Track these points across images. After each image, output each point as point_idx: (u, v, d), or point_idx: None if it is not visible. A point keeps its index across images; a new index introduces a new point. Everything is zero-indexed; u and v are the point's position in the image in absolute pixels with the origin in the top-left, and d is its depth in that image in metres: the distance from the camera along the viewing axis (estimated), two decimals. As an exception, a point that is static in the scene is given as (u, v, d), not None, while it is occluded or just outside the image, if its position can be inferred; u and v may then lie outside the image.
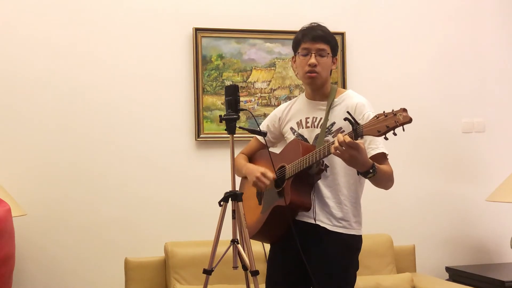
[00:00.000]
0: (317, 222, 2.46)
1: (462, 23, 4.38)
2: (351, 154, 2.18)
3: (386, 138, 2.12)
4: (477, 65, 4.39)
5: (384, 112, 2.10)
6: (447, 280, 4.02)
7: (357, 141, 2.18)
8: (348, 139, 2.16)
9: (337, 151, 2.19)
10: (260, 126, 2.78)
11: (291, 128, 2.64)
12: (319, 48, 2.51)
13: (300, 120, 2.61)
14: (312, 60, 2.51)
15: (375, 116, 2.12)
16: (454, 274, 4.04)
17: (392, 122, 2.06)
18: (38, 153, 3.70)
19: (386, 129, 2.08)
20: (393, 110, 2.08)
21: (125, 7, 3.86)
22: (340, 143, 2.17)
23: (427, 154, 4.25)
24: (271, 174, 2.52)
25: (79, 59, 3.77)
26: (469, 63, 4.37)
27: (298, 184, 2.45)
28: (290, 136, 2.64)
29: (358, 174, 2.34)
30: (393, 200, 3.96)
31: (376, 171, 2.27)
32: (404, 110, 2.05)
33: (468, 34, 4.39)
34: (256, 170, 2.56)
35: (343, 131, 2.47)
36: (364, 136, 2.31)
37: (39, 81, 3.72)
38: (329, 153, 2.27)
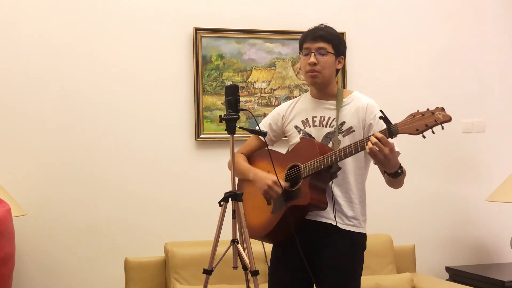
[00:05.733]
0: (330, 221, 2.47)
1: (462, 23, 4.39)
2: (385, 154, 2.19)
3: (424, 137, 2.13)
4: (477, 65, 4.39)
5: (418, 110, 2.13)
6: (447, 280, 4.02)
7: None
8: (380, 135, 2.17)
9: (373, 149, 2.18)
10: (261, 124, 2.77)
11: (296, 127, 2.63)
12: (318, 47, 2.52)
13: (306, 119, 2.61)
14: (312, 59, 2.52)
15: (411, 114, 2.14)
16: (454, 274, 4.04)
17: (431, 120, 2.09)
18: (38, 153, 3.70)
19: (425, 128, 2.10)
20: (428, 109, 2.11)
21: (125, 7, 3.86)
22: (375, 143, 2.17)
23: (427, 154, 4.24)
24: (283, 182, 2.50)
25: (78, 59, 3.77)
26: (469, 63, 4.37)
27: (316, 183, 2.44)
28: (295, 135, 2.63)
29: (384, 175, 2.35)
30: (393, 200, 3.96)
31: (403, 172, 2.31)
32: (443, 109, 2.09)
33: (468, 34, 4.39)
34: (267, 178, 2.52)
35: (354, 130, 2.49)
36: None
37: (39, 81, 3.72)
38: (356, 152, 2.29)
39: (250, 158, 2.77)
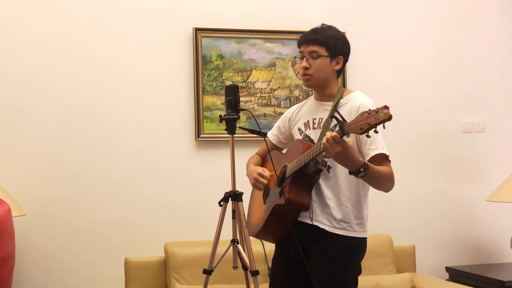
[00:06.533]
0: (317, 223, 2.46)
1: (462, 23, 4.39)
2: (337, 151, 2.18)
3: (368, 136, 2.11)
4: (477, 65, 4.39)
5: (369, 109, 2.10)
6: (447, 280, 4.02)
7: (344, 139, 2.17)
8: (334, 134, 2.17)
9: (325, 145, 2.19)
10: (273, 127, 2.82)
11: (299, 129, 2.65)
12: (310, 51, 2.53)
13: (308, 121, 2.62)
14: (303, 63, 2.53)
15: (361, 113, 2.12)
16: (454, 274, 4.04)
17: (373, 119, 2.06)
18: (38, 153, 3.70)
19: (367, 127, 2.07)
20: (377, 108, 2.08)
21: (125, 7, 3.86)
22: (327, 139, 2.18)
23: (427, 154, 4.25)
24: (268, 173, 2.52)
25: (79, 59, 3.77)
26: (469, 63, 4.37)
27: (296, 183, 2.45)
28: (298, 137, 2.65)
29: (350, 174, 2.33)
30: (393, 200, 3.95)
31: (368, 171, 2.26)
32: (386, 107, 2.04)
33: (468, 34, 4.39)
34: (254, 171, 2.58)
35: None
36: (353, 135, 2.33)
37: (39, 81, 3.72)
38: (321, 151, 2.27)
39: (262, 160, 2.82)
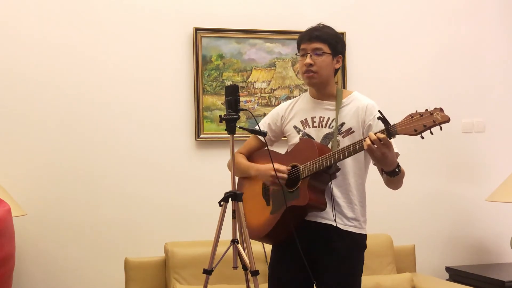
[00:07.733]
0: (330, 222, 2.47)
1: (462, 23, 4.39)
2: (383, 152, 2.21)
3: (422, 137, 2.14)
4: (477, 65, 4.39)
5: (416, 111, 2.13)
6: (447, 280, 4.02)
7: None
8: (382, 136, 2.19)
9: (371, 146, 2.21)
10: (260, 124, 2.76)
11: (295, 127, 2.63)
12: (314, 48, 2.52)
13: (305, 119, 2.60)
14: (307, 60, 2.52)
15: (409, 115, 2.15)
16: (454, 274, 4.04)
17: (429, 121, 2.09)
18: (38, 153, 3.70)
19: (423, 128, 2.10)
20: (427, 110, 2.11)
21: (125, 7, 3.86)
22: (373, 141, 2.19)
23: (427, 154, 4.24)
24: (284, 167, 2.50)
25: (79, 59, 3.77)
26: (469, 63, 4.37)
27: (314, 183, 2.45)
28: (294, 135, 2.62)
29: (382, 174, 2.37)
30: (393, 200, 3.96)
31: (400, 171, 2.33)
32: (441, 109, 2.09)
33: (468, 34, 4.39)
34: (268, 168, 2.52)
35: (353, 131, 2.49)
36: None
37: (39, 81, 3.72)
38: (355, 152, 2.30)
39: (250, 158, 2.76)
